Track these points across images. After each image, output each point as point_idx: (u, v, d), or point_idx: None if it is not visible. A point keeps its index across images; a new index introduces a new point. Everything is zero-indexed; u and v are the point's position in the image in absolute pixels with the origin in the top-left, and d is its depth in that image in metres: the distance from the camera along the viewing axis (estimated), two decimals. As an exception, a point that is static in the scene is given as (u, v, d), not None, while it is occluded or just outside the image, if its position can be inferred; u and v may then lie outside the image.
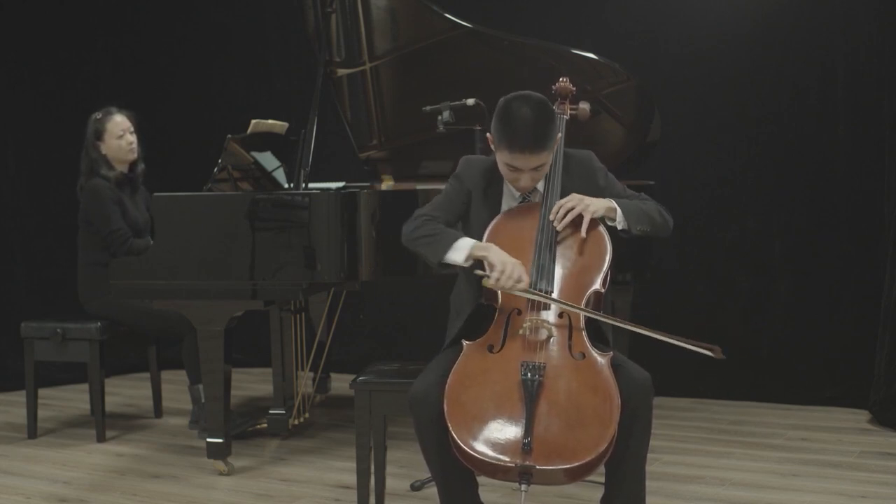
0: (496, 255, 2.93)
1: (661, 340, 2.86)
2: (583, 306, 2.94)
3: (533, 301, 2.92)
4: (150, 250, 4.18)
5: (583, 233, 3.00)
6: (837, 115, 5.10)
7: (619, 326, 3.02)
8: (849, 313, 5.14)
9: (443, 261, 3.03)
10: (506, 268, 2.89)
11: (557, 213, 3.03)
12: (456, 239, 3.02)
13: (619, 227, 3.07)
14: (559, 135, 3.12)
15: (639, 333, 2.92)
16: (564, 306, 2.92)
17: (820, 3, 5.11)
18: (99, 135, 4.82)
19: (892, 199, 4.88)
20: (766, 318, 5.31)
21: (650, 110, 4.63)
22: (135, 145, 4.87)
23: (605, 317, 2.98)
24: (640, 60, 5.16)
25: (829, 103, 5.12)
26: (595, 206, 3.03)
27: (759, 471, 4.09)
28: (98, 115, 4.86)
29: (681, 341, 2.82)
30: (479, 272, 2.96)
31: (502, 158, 3.01)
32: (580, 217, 3.02)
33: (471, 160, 3.26)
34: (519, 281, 2.89)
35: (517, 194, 3.15)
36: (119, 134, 4.82)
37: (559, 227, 3.02)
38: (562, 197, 3.06)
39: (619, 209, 3.05)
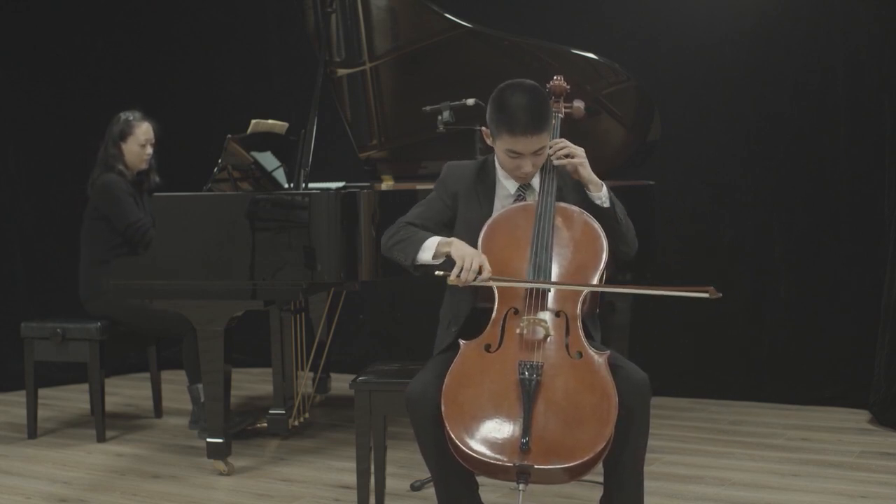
0: (456, 249, 2.93)
1: (655, 295, 2.92)
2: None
3: (530, 300, 2.92)
4: (150, 250, 4.18)
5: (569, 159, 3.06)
6: (838, 115, 5.10)
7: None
8: (849, 313, 5.14)
9: (415, 262, 3.03)
10: (464, 261, 2.89)
11: (558, 145, 3.08)
12: (424, 239, 3.03)
13: (602, 202, 3.08)
14: (554, 121, 3.15)
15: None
16: (561, 287, 2.91)
17: (820, 3, 5.11)
18: (124, 136, 4.84)
19: (892, 199, 4.88)
20: (766, 318, 5.31)
21: (650, 110, 4.63)
22: (150, 157, 4.91)
23: (599, 287, 2.98)
24: (640, 60, 5.16)
25: (829, 103, 5.12)
26: (589, 171, 3.07)
27: (759, 471, 4.09)
28: (130, 117, 4.87)
29: (673, 290, 2.85)
30: (439, 272, 2.94)
31: (503, 146, 3.02)
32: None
33: (455, 165, 3.26)
34: (480, 272, 2.88)
35: (512, 192, 3.15)
36: (143, 142, 4.86)
37: (554, 159, 3.07)
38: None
39: (605, 188, 3.09)
